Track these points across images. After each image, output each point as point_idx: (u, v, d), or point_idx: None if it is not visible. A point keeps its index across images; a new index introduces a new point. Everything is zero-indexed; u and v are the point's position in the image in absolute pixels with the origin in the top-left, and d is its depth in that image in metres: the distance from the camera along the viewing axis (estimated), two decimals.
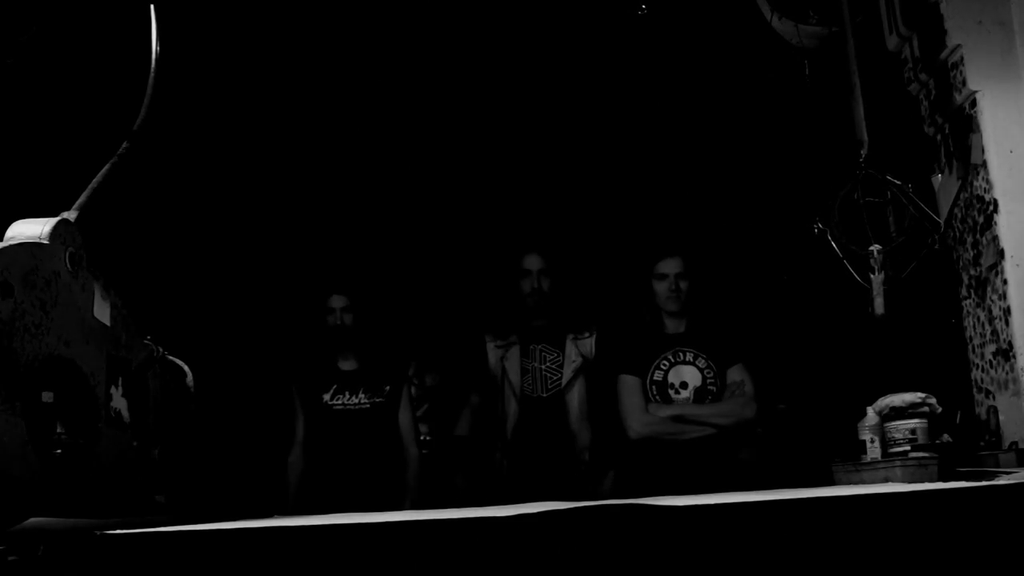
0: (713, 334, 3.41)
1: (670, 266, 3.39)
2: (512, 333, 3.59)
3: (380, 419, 3.63)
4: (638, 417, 3.28)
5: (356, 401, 3.62)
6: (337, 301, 3.66)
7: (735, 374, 3.36)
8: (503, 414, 3.49)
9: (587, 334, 3.59)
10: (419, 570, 1.14)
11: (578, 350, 3.54)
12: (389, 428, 3.65)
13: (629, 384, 3.33)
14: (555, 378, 3.51)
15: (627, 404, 3.31)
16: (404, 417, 3.69)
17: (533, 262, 3.55)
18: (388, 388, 3.66)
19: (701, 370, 3.34)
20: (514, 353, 3.55)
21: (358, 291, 3.71)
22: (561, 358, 3.53)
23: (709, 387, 3.33)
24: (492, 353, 3.60)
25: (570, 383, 3.49)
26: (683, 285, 3.38)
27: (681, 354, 3.37)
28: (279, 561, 1.15)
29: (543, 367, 3.53)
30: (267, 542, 1.16)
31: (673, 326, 3.42)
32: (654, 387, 3.32)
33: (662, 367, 3.34)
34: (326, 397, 3.65)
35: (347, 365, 3.70)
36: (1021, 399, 2.47)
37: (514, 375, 3.51)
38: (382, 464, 3.58)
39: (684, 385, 3.31)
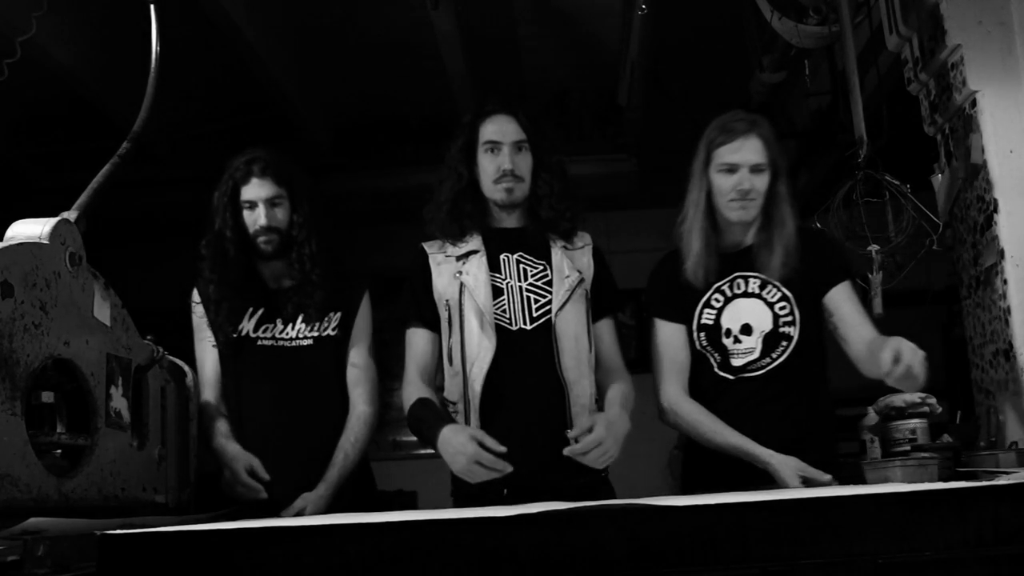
0: (798, 245, 2.28)
1: (744, 152, 2.24)
2: (470, 236, 2.34)
3: (328, 361, 2.46)
4: (673, 396, 2.30)
5: (292, 335, 2.43)
6: (259, 189, 2.40)
7: (842, 299, 2.27)
8: (461, 358, 2.25)
9: (581, 243, 2.38)
10: (418, 570, 1.14)
11: (571, 262, 2.33)
12: (341, 375, 2.48)
13: (664, 336, 2.35)
14: (543, 300, 2.27)
15: (659, 369, 2.34)
16: (358, 355, 2.48)
17: (504, 130, 2.31)
18: (340, 314, 2.47)
19: (771, 304, 2.28)
20: (477, 264, 2.29)
21: (292, 174, 2.46)
22: (549, 272, 2.30)
23: (783, 329, 2.26)
24: (441, 267, 2.33)
25: (563, 308, 2.26)
26: (760, 183, 2.25)
27: (741, 282, 2.31)
28: (279, 561, 1.15)
29: (524, 285, 2.29)
30: (267, 542, 1.16)
31: (733, 239, 2.33)
32: (703, 335, 2.31)
33: (713, 303, 2.31)
34: (246, 326, 2.44)
35: (278, 281, 2.48)
36: (1021, 399, 2.47)
37: (482, 296, 2.25)
38: (335, 428, 2.41)
39: (747, 330, 2.28)
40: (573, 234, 2.38)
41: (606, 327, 2.37)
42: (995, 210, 2.55)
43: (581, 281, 2.31)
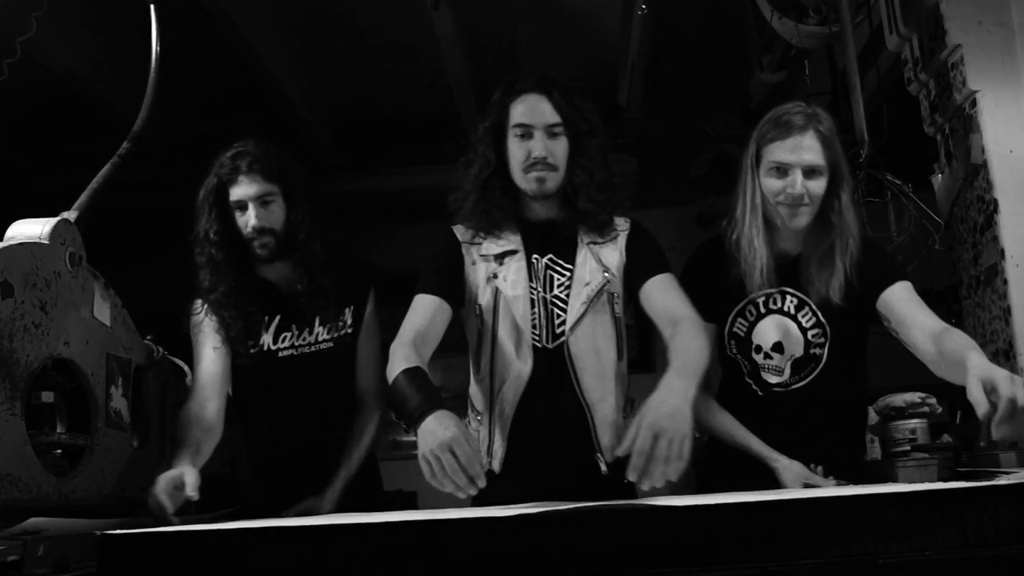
0: (859, 262, 2.05)
1: (799, 152, 1.99)
2: (504, 230, 2.10)
3: (347, 359, 2.35)
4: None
5: (311, 339, 2.29)
6: (247, 187, 2.18)
7: (893, 301, 2.02)
8: (490, 370, 2.08)
9: (614, 231, 2.11)
10: (418, 570, 1.14)
11: (599, 260, 2.08)
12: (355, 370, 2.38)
13: None
14: (563, 317, 2.06)
15: None
16: (367, 349, 2.36)
17: (536, 112, 2.04)
18: (352, 308, 2.34)
19: (804, 329, 2.11)
20: (516, 271, 2.07)
21: (284, 168, 2.24)
22: (571, 278, 2.07)
23: (814, 351, 2.11)
24: (477, 266, 2.10)
25: (579, 323, 2.04)
26: (815, 187, 2.01)
27: (778, 298, 2.11)
28: (279, 561, 1.15)
29: (549, 296, 2.06)
30: (267, 542, 1.16)
31: (780, 248, 2.10)
32: (733, 343, 2.16)
33: (747, 315, 2.13)
34: (266, 339, 2.28)
35: (288, 285, 2.29)
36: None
37: (520, 311, 2.04)
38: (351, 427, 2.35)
39: (778, 348, 2.12)
40: (608, 226, 2.10)
41: (656, 284, 2.04)
42: (995, 210, 2.55)
43: (606, 283, 2.07)
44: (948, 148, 2.82)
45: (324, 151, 5.40)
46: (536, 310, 2.06)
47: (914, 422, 2.42)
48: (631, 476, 1.57)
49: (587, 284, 2.06)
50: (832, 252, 2.04)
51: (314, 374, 2.29)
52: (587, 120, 2.08)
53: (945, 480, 2.10)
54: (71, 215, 1.87)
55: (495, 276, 2.06)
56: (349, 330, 2.33)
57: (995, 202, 2.55)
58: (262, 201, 2.19)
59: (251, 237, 2.20)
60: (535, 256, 2.08)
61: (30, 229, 1.74)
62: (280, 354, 2.28)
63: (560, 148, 2.05)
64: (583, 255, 2.08)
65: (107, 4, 3.83)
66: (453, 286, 2.08)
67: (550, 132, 2.04)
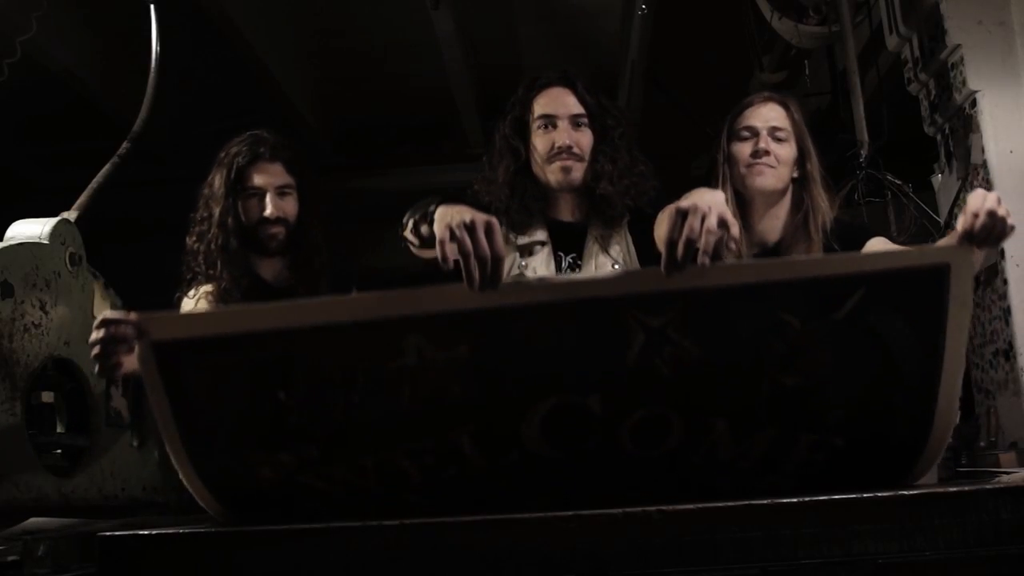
0: (837, 234, 1.97)
1: (763, 114, 2.00)
2: (534, 229, 1.99)
3: None
4: None
5: None
6: (268, 175, 2.10)
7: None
8: None
9: (625, 216, 1.98)
10: (419, 571, 1.14)
11: (607, 253, 1.99)
12: None
13: None
14: None
15: None
16: None
17: (559, 103, 2.00)
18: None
19: None
20: (544, 262, 1.98)
21: (302, 163, 2.19)
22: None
23: None
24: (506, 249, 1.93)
25: None
26: (782, 151, 1.99)
27: None
28: (279, 561, 1.15)
29: None
30: (267, 542, 1.16)
31: (758, 237, 2.03)
32: None
33: None
34: None
35: (280, 279, 2.16)
36: (1021, 399, 2.47)
37: None
38: None
39: None
40: (621, 219, 1.98)
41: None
42: None
43: None
44: (948, 148, 2.82)
45: (325, 151, 5.40)
46: None
47: None
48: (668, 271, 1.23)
49: None
50: (806, 227, 1.98)
51: None
52: (612, 114, 2.04)
53: (945, 480, 2.10)
54: (71, 215, 1.87)
55: (523, 266, 1.97)
56: None
57: None
58: (280, 191, 2.11)
59: (264, 223, 2.08)
60: (560, 252, 2.00)
61: (30, 229, 1.74)
62: None
63: (585, 139, 1.98)
64: (591, 249, 1.99)
65: (107, 4, 3.83)
66: None
67: (575, 122, 1.98)
